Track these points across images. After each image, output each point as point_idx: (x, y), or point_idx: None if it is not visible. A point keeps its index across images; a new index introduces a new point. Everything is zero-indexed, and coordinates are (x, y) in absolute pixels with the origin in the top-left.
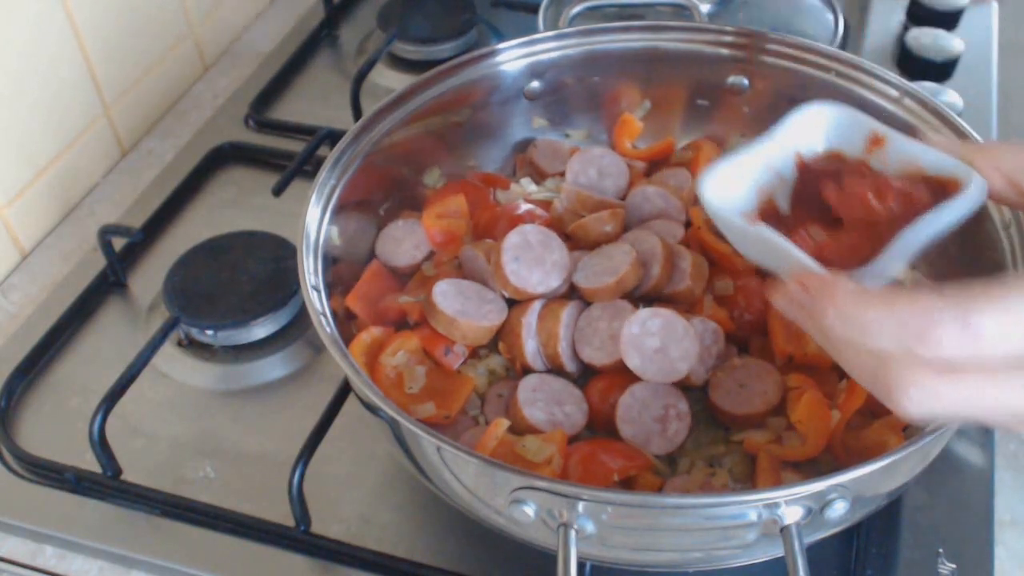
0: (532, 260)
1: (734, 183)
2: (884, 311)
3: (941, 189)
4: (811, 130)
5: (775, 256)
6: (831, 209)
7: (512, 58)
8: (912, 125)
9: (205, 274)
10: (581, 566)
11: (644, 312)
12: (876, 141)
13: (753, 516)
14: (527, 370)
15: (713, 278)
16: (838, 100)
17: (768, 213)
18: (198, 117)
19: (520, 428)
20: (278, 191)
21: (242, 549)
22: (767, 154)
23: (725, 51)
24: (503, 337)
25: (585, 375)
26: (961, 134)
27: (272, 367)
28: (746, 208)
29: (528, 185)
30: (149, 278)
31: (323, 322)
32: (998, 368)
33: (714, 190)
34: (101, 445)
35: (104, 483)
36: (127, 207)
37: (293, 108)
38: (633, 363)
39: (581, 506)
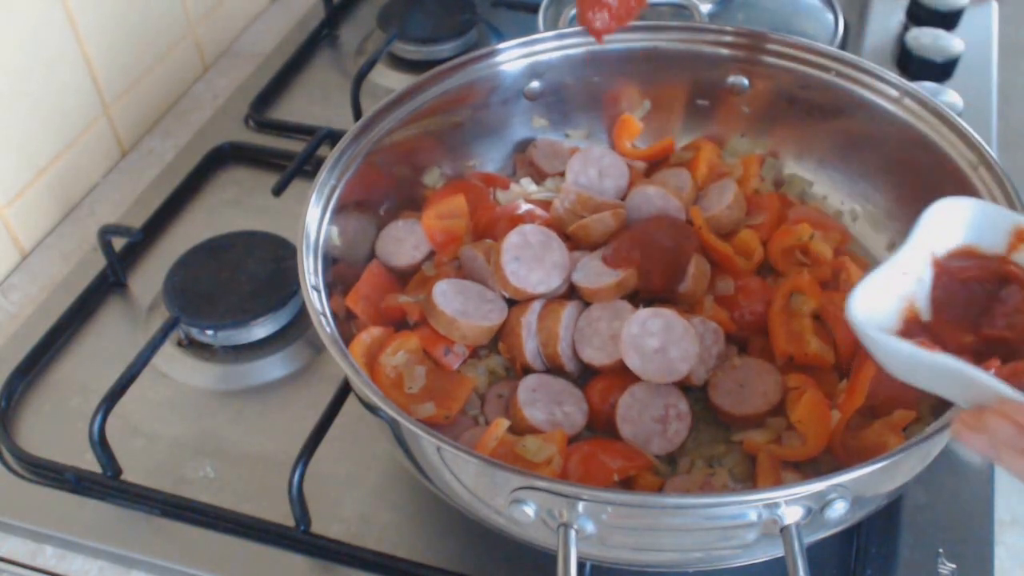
0: (532, 260)
1: (879, 298)
2: None
3: None
4: (947, 227)
5: (952, 383)
6: (975, 311)
7: (512, 58)
8: (912, 125)
9: (205, 274)
10: (581, 566)
11: (644, 312)
12: (1023, 236)
13: (753, 516)
14: (527, 370)
15: (714, 278)
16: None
17: (911, 322)
18: (198, 117)
19: (520, 428)
20: (278, 191)
21: (242, 549)
22: (907, 260)
23: (725, 51)
24: (503, 337)
25: (585, 375)
26: (962, 134)
27: (272, 367)
28: (891, 322)
29: (528, 185)
30: (149, 278)
31: (323, 322)
32: None
33: (863, 311)
34: (101, 445)
35: (104, 483)
36: (127, 207)
37: (293, 108)
38: (633, 363)
39: (581, 506)
